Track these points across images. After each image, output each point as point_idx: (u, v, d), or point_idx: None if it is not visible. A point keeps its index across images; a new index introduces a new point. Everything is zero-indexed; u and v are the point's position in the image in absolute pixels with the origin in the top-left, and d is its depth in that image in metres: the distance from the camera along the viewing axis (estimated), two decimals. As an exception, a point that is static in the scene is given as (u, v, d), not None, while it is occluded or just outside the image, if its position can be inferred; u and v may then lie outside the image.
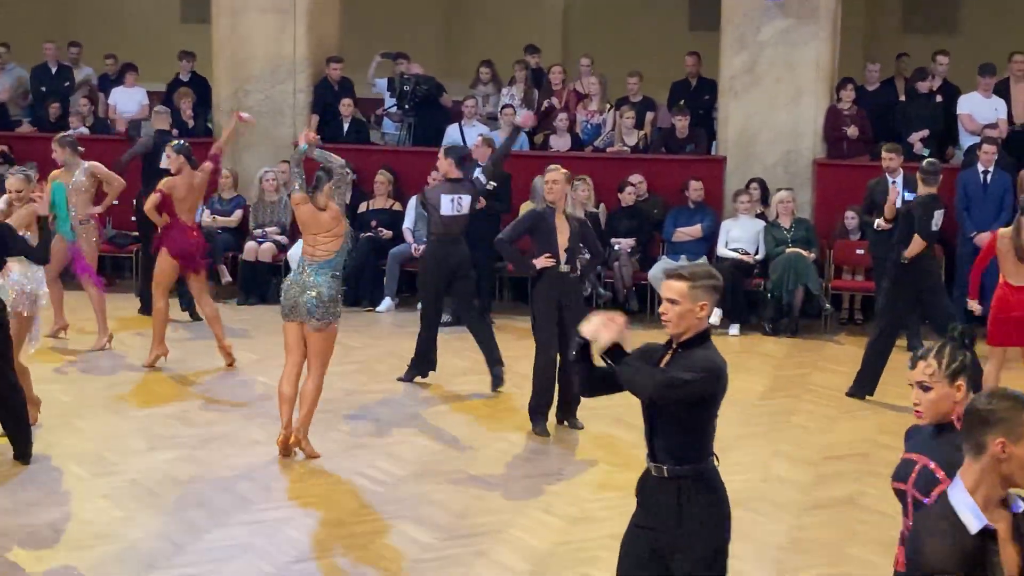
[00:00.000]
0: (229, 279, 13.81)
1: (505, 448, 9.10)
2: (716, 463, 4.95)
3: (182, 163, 11.04)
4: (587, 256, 9.95)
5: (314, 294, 8.56)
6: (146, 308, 12.35)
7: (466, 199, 10.60)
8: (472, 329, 10.67)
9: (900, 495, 4.46)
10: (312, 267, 8.66)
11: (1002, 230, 9.64)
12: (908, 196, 12.14)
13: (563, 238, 9.27)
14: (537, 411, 9.38)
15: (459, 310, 10.66)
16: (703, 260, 12.52)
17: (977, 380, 4.42)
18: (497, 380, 10.47)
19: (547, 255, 9.25)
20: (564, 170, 9.49)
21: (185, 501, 7.88)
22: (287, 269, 13.93)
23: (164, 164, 13.23)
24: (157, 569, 6.85)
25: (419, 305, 11.22)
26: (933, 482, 4.31)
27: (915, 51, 15.33)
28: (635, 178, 13.72)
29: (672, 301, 4.90)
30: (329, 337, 8.69)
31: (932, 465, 4.34)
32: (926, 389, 4.41)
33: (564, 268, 9.28)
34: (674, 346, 4.93)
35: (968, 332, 4.51)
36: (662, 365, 4.90)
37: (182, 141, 11.50)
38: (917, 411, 4.45)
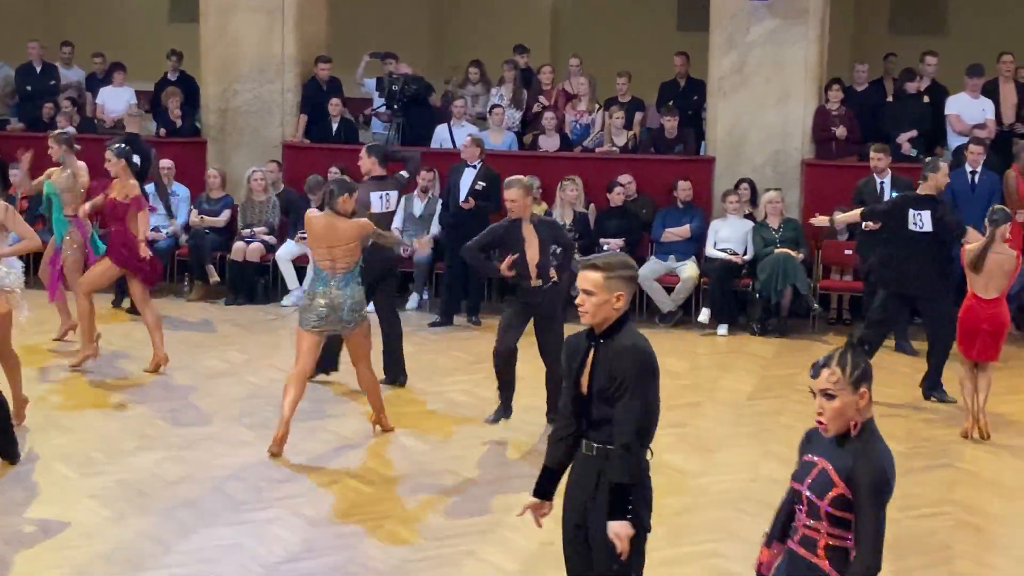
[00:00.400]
0: (217, 279, 13.80)
1: (494, 448, 9.10)
2: (650, 456, 5.00)
3: (123, 167, 10.81)
4: (560, 251, 9.80)
5: (348, 305, 8.85)
6: (133, 308, 12.36)
7: (393, 195, 10.71)
8: (388, 331, 10.61)
9: (797, 495, 4.49)
10: (336, 280, 8.87)
11: (970, 245, 9.60)
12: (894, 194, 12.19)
13: (532, 251, 9.10)
14: (502, 401, 9.37)
15: (380, 310, 10.60)
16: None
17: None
18: (393, 383, 10.49)
19: (509, 267, 9.10)
20: (523, 181, 9.25)
21: (174, 501, 7.87)
22: (275, 269, 13.96)
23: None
24: (145, 570, 6.84)
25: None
26: (829, 485, 4.35)
27: (903, 52, 15.37)
28: (624, 178, 13.73)
29: (588, 292, 4.94)
30: (368, 331, 9.11)
31: (830, 469, 4.36)
32: (830, 397, 4.38)
33: (536, 283, 9.19)
34: (597, 336, 4.99)
35: (868, 339, 4.50)
36: (588, 362, 4.98)
37: (122, 144, 11.19)
38: (820, 422, 4.42)
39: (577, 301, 4.99)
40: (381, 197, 10.55)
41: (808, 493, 4.41)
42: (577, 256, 9.76)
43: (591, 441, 5.01)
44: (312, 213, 9.14)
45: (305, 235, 13.68)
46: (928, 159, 11.30)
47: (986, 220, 9.52)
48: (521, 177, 9.39)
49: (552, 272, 9.23)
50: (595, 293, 4.92)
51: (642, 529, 5.00)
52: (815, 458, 4.46)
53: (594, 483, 4.99)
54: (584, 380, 5.02)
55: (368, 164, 10.64)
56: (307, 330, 8.90)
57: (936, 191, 10.53)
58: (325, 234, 8.88)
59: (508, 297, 9.47)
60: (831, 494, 4.35)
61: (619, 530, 4.93)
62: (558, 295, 9.36)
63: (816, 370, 4.42)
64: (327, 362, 10.57)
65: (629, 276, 4.99)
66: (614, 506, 4.93)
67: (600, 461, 4.98)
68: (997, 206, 9.79)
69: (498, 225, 9.47)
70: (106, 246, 10.97)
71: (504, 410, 9.39)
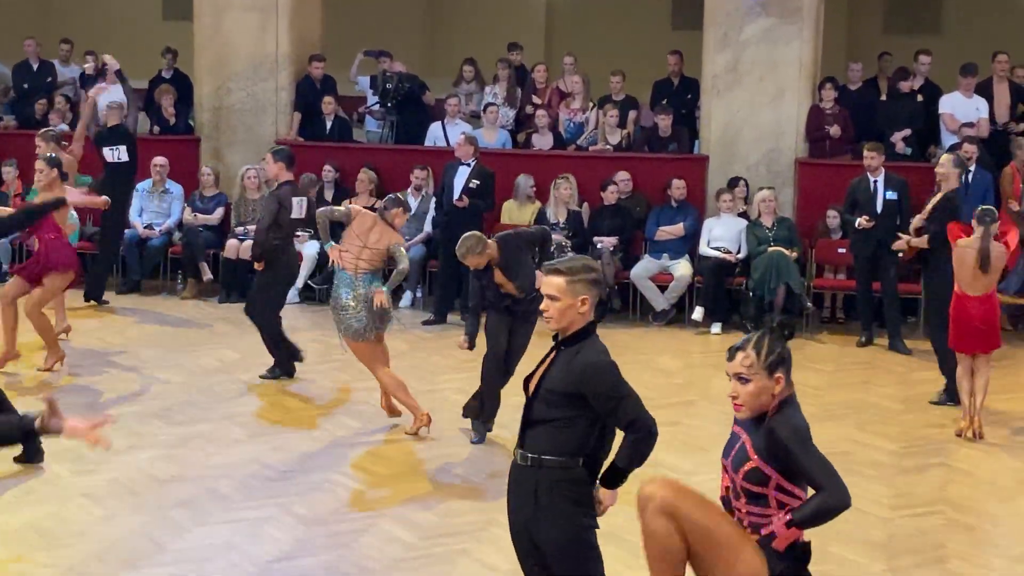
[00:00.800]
0: (210, 277, 13.80)
1: (487, 447, 9.09)
2: (583, 464, 4.93)
3: (54, 176, 10.64)
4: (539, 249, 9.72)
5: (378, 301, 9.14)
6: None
7: (306, 201, 10.78)
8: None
9: (724, 469, 4.52)
10: (359, 280, 9.14)
11: (962, 240, 9.58)
12: (890, 196, 12.19)
13: (510, 287, 8.94)
14: (483, 414, 9.20)
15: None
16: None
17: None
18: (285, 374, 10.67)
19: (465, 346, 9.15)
20: (470, 244, 8.75)
21: (166, 500, 7.86)
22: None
23: (110, 159, 13.29)
24: (138, 568, 6.83)
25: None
26: (744, 458, 4.38)
27: (897, 51, 15.38)
28: (621, 176, 13.73)
29: (552, 298, 4.87)
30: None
31: (747, 442, 4.38)
32: (744, 381, 4.38)
33: (520, 295, 9.06)
34: (558, 342, 4.93)
35: (788, 324, 4.47)
36: (545, 365, 4.94)
37: (53, 154, 11.05)
38: (736, 404, 4.42)
39: (542, 307, 4.92)
40: (299, 203, 10.61)
41: (730, 468, 4.41)
42: (569, 251, 9.69)
43: (525, 451, 4.94)
44: (361, 208, 9.54)
45: (299, 234, 13.77)
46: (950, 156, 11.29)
47: (974, 221, 9.49)
48: (465, 240, 8.83)
49: (538, 277, 9.13)
50: (559, 298, 4.84)
51: (590, 527, 4.95)
52: (739, 430, 4.48)
53: (532, 495, 4.91)
54: (534, 381, 4.96)
55: (275, 169, 10.54)
56: (358, 341, 9.17)
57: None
58: (366, 231, 9.21)
59: (487, 305, 9.22)
60: (745, 467, 4.36)
61: (604, 498, 4.92)
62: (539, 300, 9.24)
63: (732, 353, 4.43)
64: (286, 367, 10.66)
65: (593, 279, 4.89)
66: (610, 477, 4.91)
67: (535, 472, 4.90)
68: (984, 206, 9.75)
69: (476, 282, 9.12)
70: (52, 258, 10.54)
71: (484, 426, 9.19)
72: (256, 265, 10.51)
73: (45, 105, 15.66)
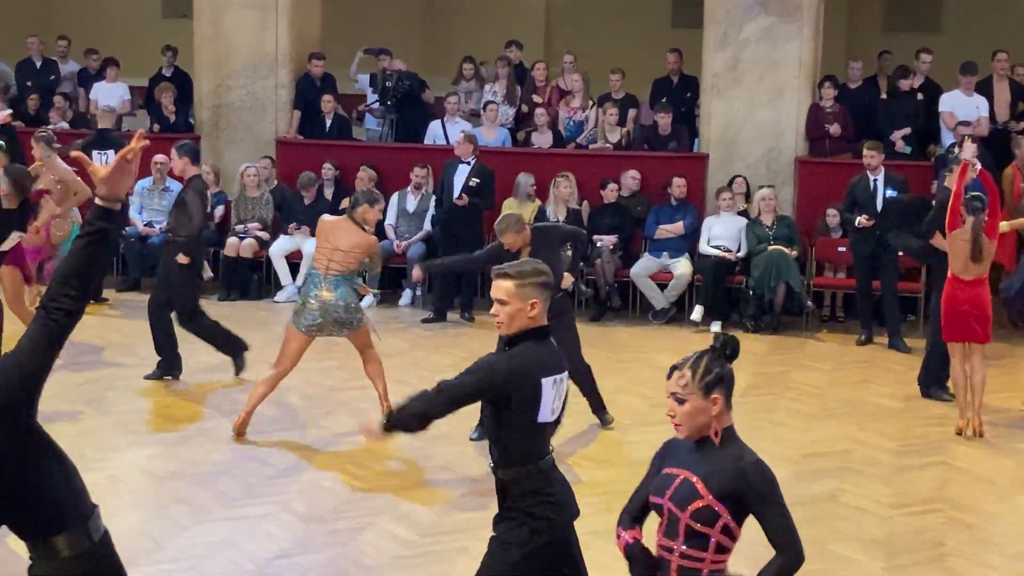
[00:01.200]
0: (210, 275, 13.80)
1: (487, 445, 9.06)
2: (546, 464, 4.91)
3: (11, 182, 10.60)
4: (570, 246, 9.69)
5: (342, 305, 8.91)
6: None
7: (209, 195, 10.81)
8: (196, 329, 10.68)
9: (657, 509, 4.27)
10: (327, 282, 8.95)
11: (956, 231, 9.58)
12: (890, 193, 12.19)
13: None
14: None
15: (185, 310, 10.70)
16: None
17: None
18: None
19: None
20: (510, 220, 8.79)
21: (165, 497, 7.86)
22: (268, 265, 13.95)
23: (98, 163, 13.30)
24: (137, 566, 6.81)
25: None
26: (693, 496, 4.16)
27: (897, 49, 15.38)
28: (631, 174, 13.73)
29: (501, 302, 4.77)
30: (365, 331, 9.15)
31: (694, 479, 4.17)
32: (680, 401, 4.20)
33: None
34: (503, 343, 4.91)
35: (730, 342, 4.32)
36: None
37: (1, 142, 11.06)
38: (675, 424, 4.27)
39: (492, 311, 4.84)
40: (208, 196, 10.59)
41: (670, 505, 4.20)
42: (569, 249, 9.57)
43: (491, 459, 4.97)
44: (326, 216, 9.33)
45: (298, 228, 13.79)
46: (952, 153, 11.27)
47: (963, 209, 9.48)
48: (508, 216, 8.91)
49: (566, 278, 9.09)
50: (508, 302, 4.74)
51: (514, 546, 4.89)
52: (676, 470, 4.27)
53: (500, 503, 4.94)
54: None
55: (181, 164, 10.36)
56: (300, 331, 9.02)
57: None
58: (330, 234, 9.01)
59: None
60: (694, 505, 4.16)
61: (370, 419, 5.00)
62: (567, 296, 9.23)
63: (670, 371, 4.29)
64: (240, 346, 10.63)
65: (543, 283, 4.78)
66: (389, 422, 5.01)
67: (499, 481, 4.91)
68: (973, 193, 9.72)
69: (498, 252, 8.91)
70: (23, 252, 10.76)
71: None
72: (183, 259, 10.22)
73: (37, 101, 15.65)
